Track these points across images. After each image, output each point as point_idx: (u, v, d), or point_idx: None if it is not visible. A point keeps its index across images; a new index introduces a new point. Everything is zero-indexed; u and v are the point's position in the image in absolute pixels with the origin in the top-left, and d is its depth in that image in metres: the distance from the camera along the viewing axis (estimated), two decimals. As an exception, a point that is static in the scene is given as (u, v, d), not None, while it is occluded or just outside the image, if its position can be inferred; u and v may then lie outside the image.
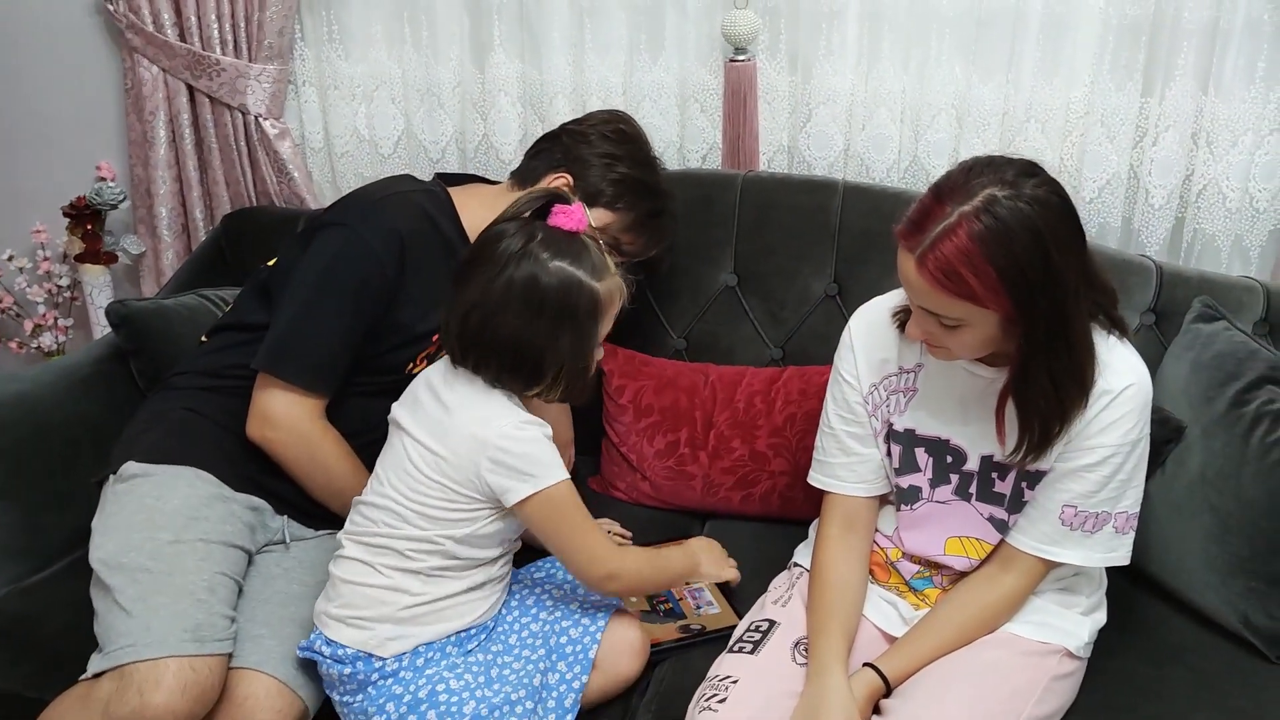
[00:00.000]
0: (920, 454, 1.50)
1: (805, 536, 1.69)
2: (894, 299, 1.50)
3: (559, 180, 1.75)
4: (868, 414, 1.51)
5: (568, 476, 1.38)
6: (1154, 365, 1.77)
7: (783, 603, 1.55)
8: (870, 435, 1.52)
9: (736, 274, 2.05)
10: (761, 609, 1.56)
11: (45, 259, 2.53)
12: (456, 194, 1.74)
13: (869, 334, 1.51)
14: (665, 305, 2.06)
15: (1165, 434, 1.67)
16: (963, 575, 1.51)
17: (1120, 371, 1.37)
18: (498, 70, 2.25)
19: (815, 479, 1.57)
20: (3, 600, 1.66)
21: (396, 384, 1.53)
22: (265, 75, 2.26)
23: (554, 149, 1.78)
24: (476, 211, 1.68)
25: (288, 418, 1.57)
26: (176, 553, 1.46)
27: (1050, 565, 1.44)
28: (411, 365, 1.66)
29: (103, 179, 2.45)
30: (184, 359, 1.75)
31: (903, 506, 1.53)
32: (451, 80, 2.30)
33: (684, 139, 2.26)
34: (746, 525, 1.90)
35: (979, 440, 1.45)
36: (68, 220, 2.45)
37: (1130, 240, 2.12)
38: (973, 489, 1.48)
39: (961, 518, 1.49)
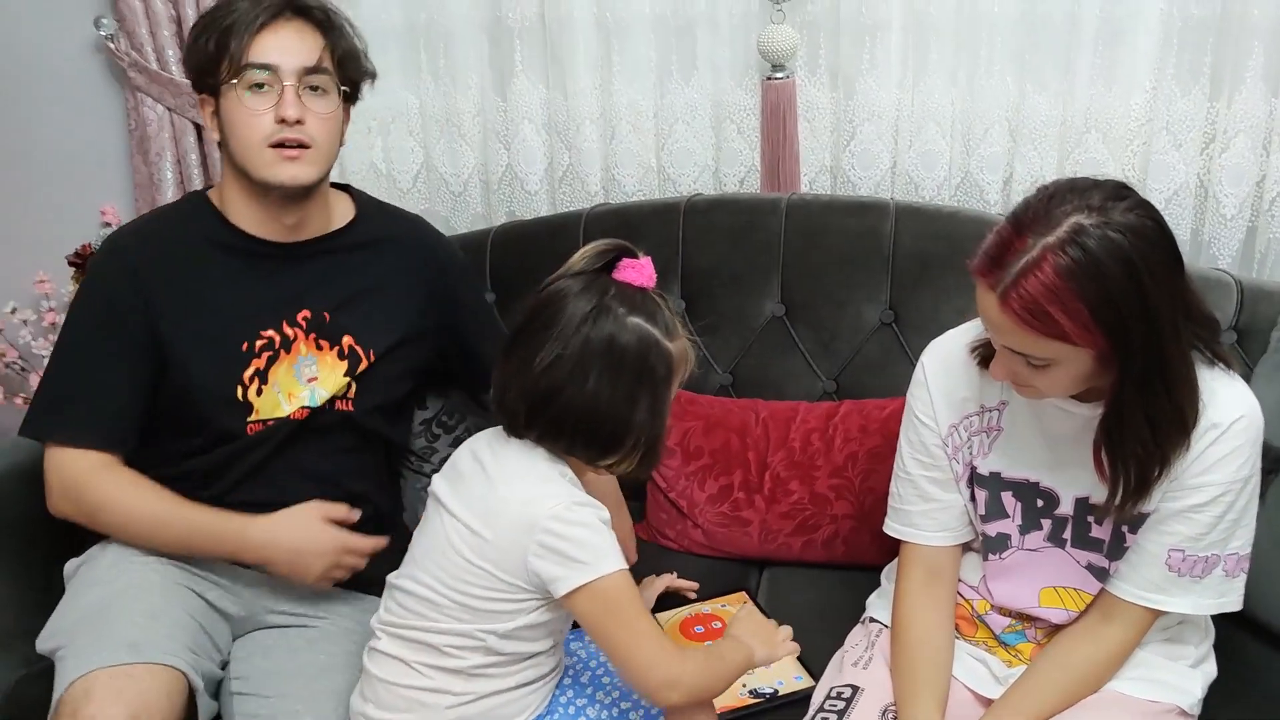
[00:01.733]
0: (1008, 498, 1.38)
1: (875, 584, 1.58)
2: (970, 332, 1.39)
3: None
4: (948, 457, 1.40)
5: (625, 567, 1.23)
6: (1241, 387, 1.68)
7: (863, 664, 1.44)
8: (951, 480, 1.41)
9: (784, 303, 1.95)
10: (840, 672, 1.45)
11: (50, 310, 2.43)
12: (215, 191, 1.59)
13: (945, 371, 1.40)
14: (709, 338, 1.95)
15: (1265, 464, 1.54)
16: (1058, 627, 1.40)
17: (1228, 403, 1.26)
18: (521, 97, 2.15)
19: (892, 528, 1.46)
20: (16, 686, 1.54)
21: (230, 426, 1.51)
22: (276, 110, 2.16)
23: None
24: (224, 190, 1.56)
25: (56, 480, 1.49)
26: (113, 596, 1.43)
27: (1157, 615, 1.33)
28: (242, 390, 1.52)
29: (108, 224, 2.37)
30: None
31: (990, 555, 1.41)
32: (472, 109, 2.20)
33: (719, 162, 2.16)
34: (808, 573, 1.79)
35: (1072, 482, 1.34)
36: (73, 269, 2.36)
37: (1200, 253, 2.02)
38: (1067, 534, 1.36)
39: (1056, 566, 1.38)
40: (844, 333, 1.93)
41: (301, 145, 1.47)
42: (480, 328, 1.72)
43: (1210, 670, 1.42)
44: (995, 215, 1.94)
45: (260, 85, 1.45)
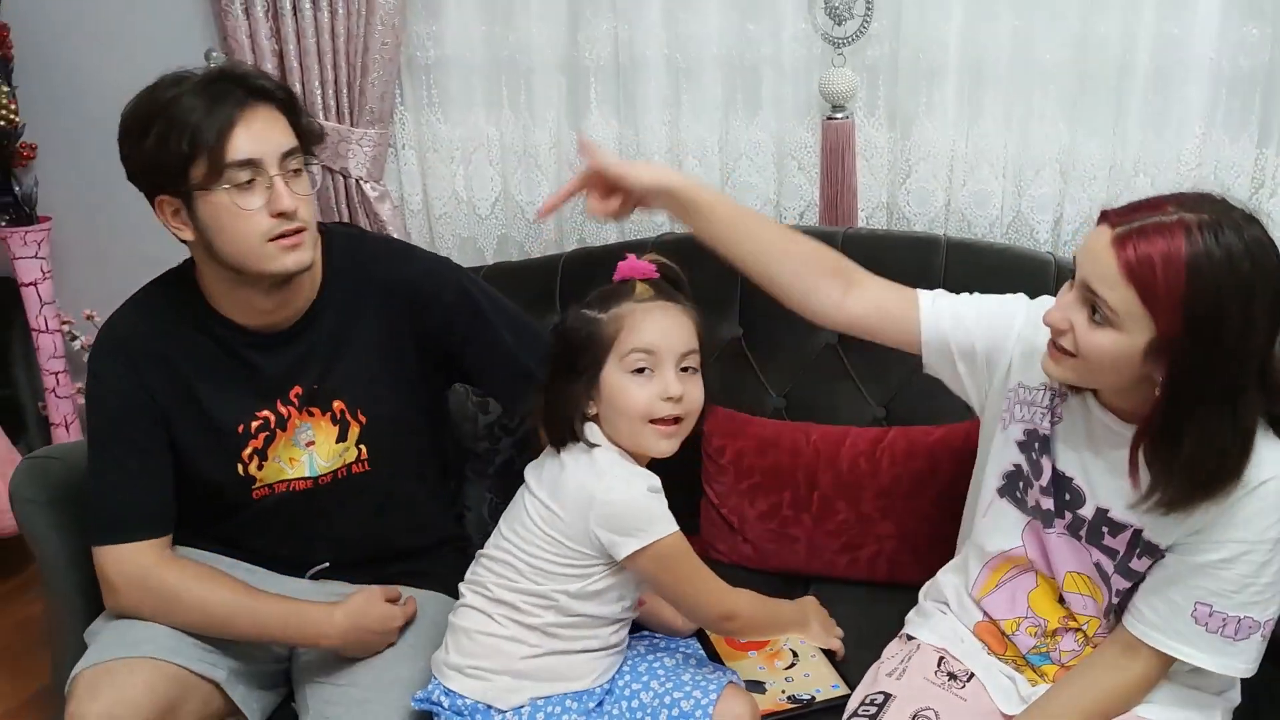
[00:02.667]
0: (1046, 479, 1.43)
1: (914, 603, 1.64)
2: None
3: None
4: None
5: (677, 528, 1.39)
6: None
7: (897, 675, 1.50)
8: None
9: (837, 331, 2.02)
10: (875, 681, 1.51)
11: (152, 319, 2.59)
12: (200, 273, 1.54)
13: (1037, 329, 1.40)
14: (764, 364, 2.05)
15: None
16: (1079, 649, 1.45)
17: (1265, 462, 1.26)
18: (594, 131, 2.27)
19: None
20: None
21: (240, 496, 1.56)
22: (366, 139, 2.31)
23: None
24: (218, 290, 1.52)
25: (119, 577, 1.49)
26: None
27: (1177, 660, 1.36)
28: (242, 467, 1.56)
29: (208, 241, 2.52)
30: None
31: (1043, 526, 1.43)
32: (548, 142, 2.33)
33: (781, 196, 2.26)
34: (852, 590, 1.85)
35: (1097, 491, 1.38)
36: (172, 283, 2.52)
37: (1247, 296, 2.05)
38: (1083, 532, 1.40)
39: (1073, 554, 1.42)
40: (894, 361, 1.99)
41: (299, 229, 1.44)
42: (491, 346, 1.65)
43: (1234, 697, 1.45)
44: (1044, 253, 2.01)
45: (247, 181, 1.39)
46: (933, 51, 2.07)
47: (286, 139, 1.43)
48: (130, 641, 1.46)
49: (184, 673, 1.46)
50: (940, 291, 1.54)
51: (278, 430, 1.56)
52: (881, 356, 1.99)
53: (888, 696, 1.46)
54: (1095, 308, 1.22)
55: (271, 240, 1.42)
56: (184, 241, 1.46)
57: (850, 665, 1.62)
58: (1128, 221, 1.20)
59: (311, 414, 1.57)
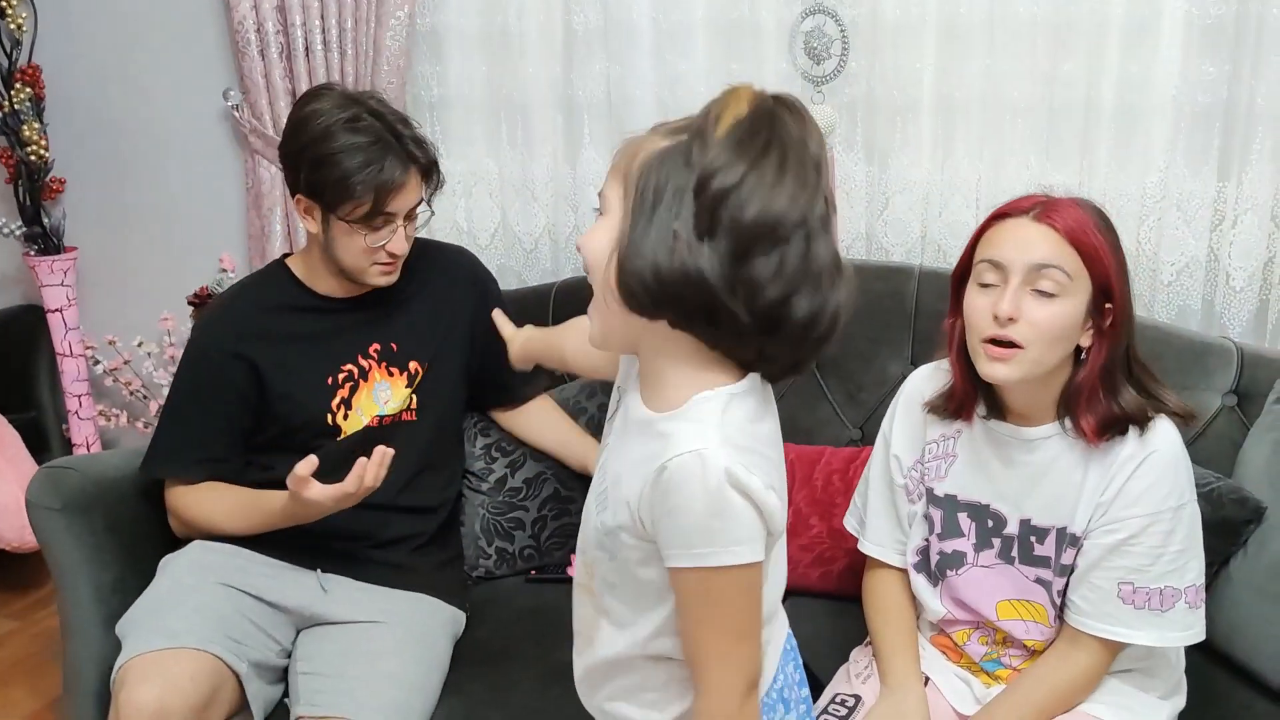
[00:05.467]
0: (963, 519, 1.52)
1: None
2: (939, 372, 1.55)
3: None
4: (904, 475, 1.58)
5: None
6: (1236, 447, 1.78)
7: (863, 679, 1.57)
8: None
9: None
10: (848, 682, 1.59)
11: (170, 345, 2.71)
12: (295, 259, 1.85)
13: (917, 401, 1.57)
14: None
15: (1245, 514, 1.66)
16: (1030, 653, 1.51)
17: (1145, 438, 1.39)
18: (588, 166, 2.38)
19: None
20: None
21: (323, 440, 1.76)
22: (373, 173, 2.42)
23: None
24: (306, 262, 1.81)
25: (172, 504, 1.78)
26: (170, 592, 1.67)
27: (1122, 644, 1.42)
28: (330, 416, 1.79)
29: (224, 270, 2.64)
30: None
31: (948, 572, 1.53)
32: (545, 176, 2.43)
33: (765, 228, 2.34)
34: (825, 603, 1.92)
35: (1016, 506, 1.47)
36: (191, 308, 2.64)
37: (1213, 322, 2.12)
38: (1014, 553, 1.48)
39: (1009, 581, 1.49)
40: (870, 385, 2.08)
41: (398, 258, 1.75)
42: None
43: (1180, 702, 1.51)
44: (1014, 281, 2.08)
45: (379, 226, 1.69)
46: (908, 89, 2.16)
47: (418, 195, 1.74)
48: (171, 632, 1.57)
49: (219, 663, 1.57)
50: (868, 535, 1.64)
51: (360, 381, 1.81)
52: (858, 380, 2.09)
53: (858, 699, 1.53)
54: (1041, 286, 1.34)
55: (376, 263, 1.73)
56: (313, 232, 1.74)
57: (824, 673, 1.67)
58: (1028, 205, 1.38)
59: (391, 374, 1.83)
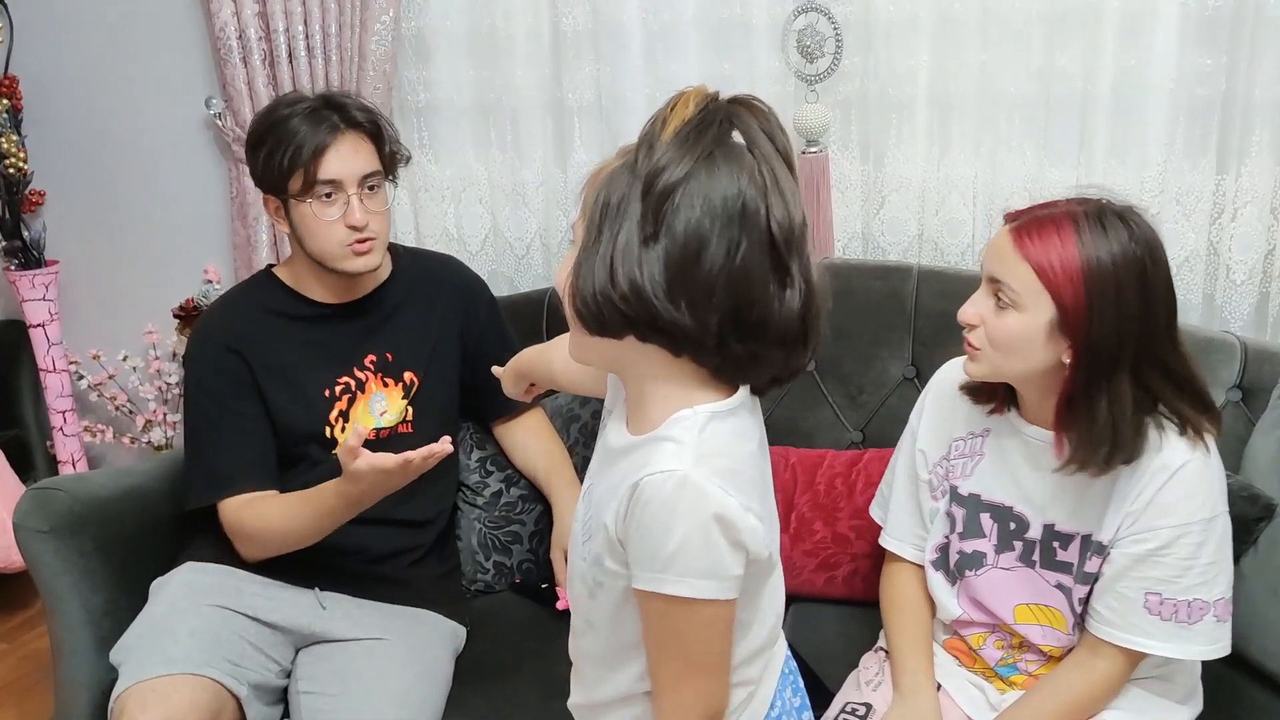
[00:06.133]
0: (985, 519, 1.50)
1: (889, 619, 1.68)
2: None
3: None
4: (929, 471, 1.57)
5: None
6: (1241, 442, 1.77)
7: (874, 686, 1.55)
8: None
9: (814, 359, 2.08)
10: (858, 690, 1.56)
11: (156, 358, 2.67)
12: (282, 268, 1.85)
13: (945, 394, 1.56)
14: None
15: (1256, 512, 1.64)
16: (1046, 659, 1.49)
17: (1180, 449, 1.35)
18: (579, 169, 2.35)
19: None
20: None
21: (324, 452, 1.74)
22: (361, 180, 2.39)
23: None
24: (292, 269, 1.81)
25: (232, 525, 1.69)
26: (165, 617, 1.62)
27: (1144, 654, 1.40)
28: (328, 429, 1.76)
29: (209, 281, 2.60)
30: None
31: (967, 572, 1.51)
32: (535, 180, 2.40)
33: (760, 228, 2.32)
34: (830, 608, 1.90)
35: (1040, 509, 1.45)
36: (177, 321, 2.60)
37: (1214, 316, 2.11)
38: (1036, 556, 1.46)
39: (1028, 584, 1.47)
40: (870, 387, 2.06)
41: (369, 239, 1.71)
42: (503, 347, 1.87)
43: (1197, 705, 1.49)
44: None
45: (328, 195, 1.68)
46: (902, 86, 2.14)
47: (369, 163, 1.71)
48: (168, 658, 1.54)
49: (218, 687, 1.54)
50: (889, 529, 1.64)
51: (357, 393, 1.79)
52: (858, 382, 2.07)
53: (869, 708, 1.51)
54: (999, 295, 1.34)
55: (347, 245, 1.69)
56: (286, 232, 1.75)
57: (832, 679, 1.65)
58: (1022, 215, 1.35)
59: (387, 384, 1.80)
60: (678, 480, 0.97)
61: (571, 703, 1.24)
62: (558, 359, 1.39)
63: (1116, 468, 1.34)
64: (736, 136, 0.98)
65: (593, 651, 1.15)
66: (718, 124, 0.97)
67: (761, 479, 1.09)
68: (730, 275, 0.95)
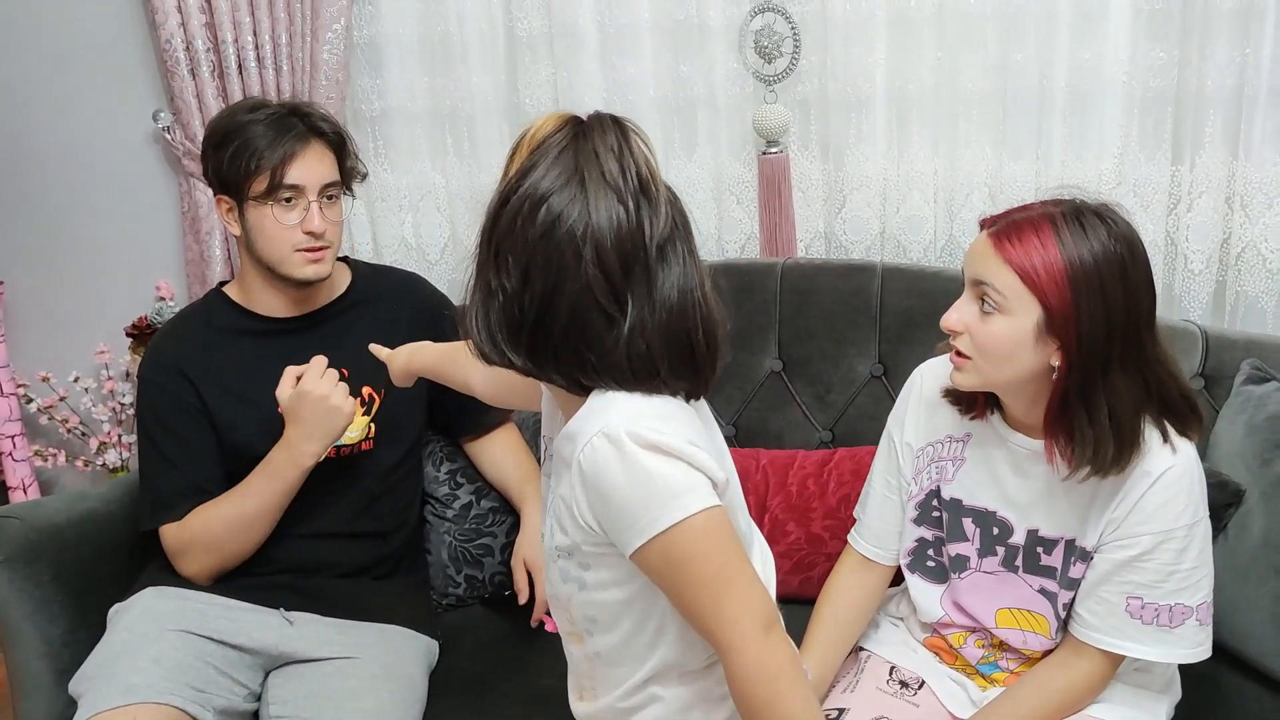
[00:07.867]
0: (968, 524, 1.49)
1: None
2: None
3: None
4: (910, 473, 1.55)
5: None
6: (1207, 430, 1.78)
7: (850, 689, 1.55)
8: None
9: (781, 359, 2.08)
10: (829, 696, 1.55)
11: (109, 378, 2.61)
12: (231, 285, 1.84)
13: (930, 391, 1.54)
14: (712, 393, 2.07)
15: (1224, 498, 1.66)
16: (1026, 659, 1.49)
17: (1162, 455, 1.34)
18: (538, 174, 2.32)
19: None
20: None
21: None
22: (315, 191, 2.35)
23: None
24: (241, 284, 1.81)
25: (176, 544, 1.69)
26: (125, 645, 1.58)
27: (1125, 656, 1.40)
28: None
29: (162, 299, 2.54)
30: None
31: (950, 575, 1.51)
32: (493, 186, 2.35)
33: (721, 230, 2.32)
34: (806, 609, 1.86)
35: (1024, 515, 1.45)
36: (130, 339, 2.54)
37: (1173, 305, 2.13)
38: (1019, 561, 1.46)
39: (1011, 589, 1.47)
40: (838, 386, 2.05)
41: (323, 247, 1.72)
42: None
43: (1176, 692, 1.50)
44: (977, 274, 2.07)
45: (289, 200, 1.68)
46: (860, 85, 2.14)
47: (330, 173, 1.73)
48: (128, 687, 1.50)
49: (182, 715, 1.51)
50: (859, 529, 1.63)
51: None
52: (825, 380, 2.06)
53: (841, 711, 1.50)
54: (984, 300, 1.32)
55: (298, 251, 1.70)
56: (234, 235, 1.75)
57: (808, 684, 1.65)
58: (999, 220, 1.33)
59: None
60: (609, 436, 1.00)
61: (582, 712, 1.23)
62: (477, 370, 1.35)
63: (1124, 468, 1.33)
64: (589, 150, 1.02)
65: (606, 648, 1.15)
66: (572, 141, 1.04)
67: (706, 431, 1.13)
68: (564, 284, 1.01)
